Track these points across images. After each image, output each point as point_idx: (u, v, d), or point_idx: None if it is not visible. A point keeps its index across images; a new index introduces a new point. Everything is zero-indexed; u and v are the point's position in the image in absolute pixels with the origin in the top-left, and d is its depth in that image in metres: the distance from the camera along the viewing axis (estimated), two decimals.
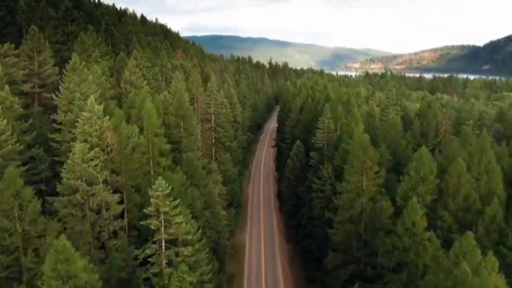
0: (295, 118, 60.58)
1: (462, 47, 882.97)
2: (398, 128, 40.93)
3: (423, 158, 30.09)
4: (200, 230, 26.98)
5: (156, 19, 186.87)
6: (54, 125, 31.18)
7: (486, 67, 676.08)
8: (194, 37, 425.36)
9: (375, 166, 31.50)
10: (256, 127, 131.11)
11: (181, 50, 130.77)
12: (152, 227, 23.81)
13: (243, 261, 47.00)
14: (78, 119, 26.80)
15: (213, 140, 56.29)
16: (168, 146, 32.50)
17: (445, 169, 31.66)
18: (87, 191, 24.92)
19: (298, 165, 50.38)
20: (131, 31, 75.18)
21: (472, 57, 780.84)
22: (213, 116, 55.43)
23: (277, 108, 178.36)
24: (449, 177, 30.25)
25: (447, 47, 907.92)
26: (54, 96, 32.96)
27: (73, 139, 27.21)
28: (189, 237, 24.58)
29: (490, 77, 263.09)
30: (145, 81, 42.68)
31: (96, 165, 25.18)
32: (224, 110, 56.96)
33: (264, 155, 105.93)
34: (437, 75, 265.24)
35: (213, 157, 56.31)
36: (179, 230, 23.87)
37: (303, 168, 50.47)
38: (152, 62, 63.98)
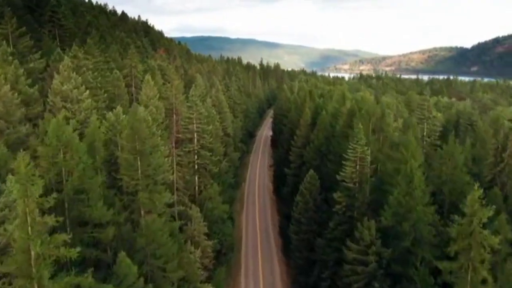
0: (303, 136, 46.82)
1: (450, 48, 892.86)
2: (459, 159, 27.97)
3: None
4: None
5: (139, 16, 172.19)
6: None
7: (474, 68, 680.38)
8: (183, 38, 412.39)
9: None
10: (248, 135, 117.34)
11: (162, 49, 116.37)
12: None
13: None
14: None
15: (196, 167, 42.36)
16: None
17: None
18: None
19: (311, 205, 36.88)
20: (91, 23, 60.50)
21: (460, 58, 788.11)
22: (195, 135, 41.50)
23: (270, 112, 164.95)
24: None
25: (435, 49, 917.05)
26: None
27: None
28: None
29: (487, 79, 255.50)
30: (86, 92, 28.27)
31: None
32: (210, 126, 43.05)
33: (258, 169, 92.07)
34: (435, 76, 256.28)
35: (196, 189, 42.38)
36: None
37: (318, 207, 37.07)
38: (119, 63, 49.76)
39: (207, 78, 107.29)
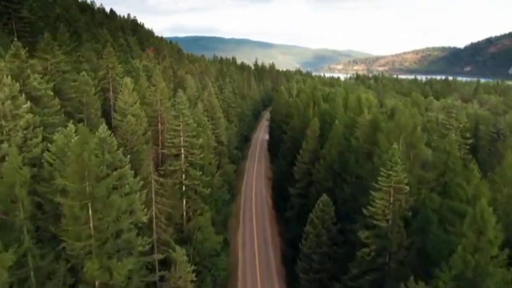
0: (310, 150, 39.57)
1: (443, 48, 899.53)
2: None
3: None
4: None
5: (128, 14, 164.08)
6: None
7: (467, 68, 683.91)
8: (176, 38, 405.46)
9: None
10: (243, 140, 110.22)
11: (151, 49, 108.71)
12: None
13: None
14: None
15: (183, 188, 35.20)
16: None
17: None
18: None
19: (325, 238, 29.93)
20: (61, 17, 52.59)
21: (453, 58, 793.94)
22: (182, 150, 34.32)
23: (265, 114, 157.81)
24: None
25: (428, 49, 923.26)
26: None
27: None
28: None
29: (484, 79, 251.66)
30: (27, 104, 20.70)
31: None
32: (200, 139, 35.79)
33: (255, 178, 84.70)
34: (429, 76, 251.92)
35: (184, 216, 35.24)
36: None
37: (333, 241, 30.15)
38: (94, 64, 42.34)
39: (200, 79, 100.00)
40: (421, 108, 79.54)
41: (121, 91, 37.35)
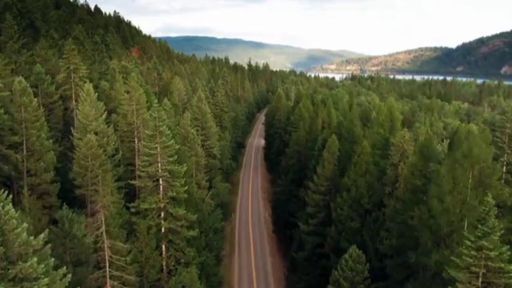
0: (326, 176, 30.46)
1: (435, 49, 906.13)
2: None
3: None
4: None
5: (114, 11, 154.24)
6: None
7: (459, 68, 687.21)
8: (168, 38, 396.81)
9: None
10: (237, 146, 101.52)
11: (136, 48, 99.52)
12: None
13: None
14: None
15: (162, 229, 26.49)
16: None
17: None
18: None
19: None
20: (10, 6, 43.05)
21: (445, 58, 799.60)
22: (161, 181, 25.62)
23: (260, 117, 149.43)
24: None
25: (421, 49, 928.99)
26: None
27: None
28: None
29: (480, 80, 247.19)
30: None
31: None
32: (184, 166, 26.87)
33: (251, 193, 75.78)
34: (431, 77, 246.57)
35: (164, 268, 26.49)
36: None
37: None
38: (52, 65, 33.35)
39: (190, 81, 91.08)
40: (435, 114, 71.65)
41: (80, 100, 28.49)
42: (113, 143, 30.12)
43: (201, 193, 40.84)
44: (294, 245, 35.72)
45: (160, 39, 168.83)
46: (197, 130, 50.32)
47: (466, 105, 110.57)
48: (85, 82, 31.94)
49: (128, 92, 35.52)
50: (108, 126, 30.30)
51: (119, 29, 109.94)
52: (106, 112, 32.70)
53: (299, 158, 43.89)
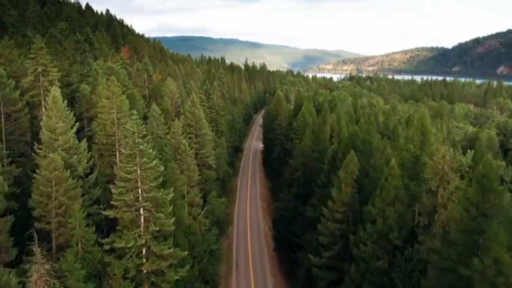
0: (343, 201, 25.05)
1: (432, 49, 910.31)
2: None
3: None
4: None
5: (107, 10, 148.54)
6: None
7: (455, 68, 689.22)
8: (163, 38, 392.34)
9: None
10: (234, 151, 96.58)
11: (127, 48, 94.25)
12: None
13: None
14: None
15: (144, 270, 21.41)
16: None
17: None
18: None
19: None
20: None
21: (441, 58, 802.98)
22: (142, 213, 20.59)
23: (258, 118, 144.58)
24: None
25: (417, 49, 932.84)
26: None
27: None
28: None
29: (479, 81, 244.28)
30: None
31: None
32: (171, 192, 21.81)
33: (249, 202, 70.65)
34: (429, 77, 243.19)
35: None
36: None
37: None
38: (12, 67, 28.25)
39: (184, 83, 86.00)
40: (445, 118, 67.20)
41: (45, 110, 23.49)
42: (87, 160, 25.08)
43: (194, 211, 35.88)
44: (301, 274, 30.81)
45: (155, 39, 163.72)
46: (190, 138, 45.39)
47: (472, 106, 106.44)
48: (54, 86, 26.89)
49: (107, 98, 30.47)
50: (81, 140, 25.28)
51: (110, 28, 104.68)
52: (85, 121, 27.66)
53: (305, 171, 39.09)
